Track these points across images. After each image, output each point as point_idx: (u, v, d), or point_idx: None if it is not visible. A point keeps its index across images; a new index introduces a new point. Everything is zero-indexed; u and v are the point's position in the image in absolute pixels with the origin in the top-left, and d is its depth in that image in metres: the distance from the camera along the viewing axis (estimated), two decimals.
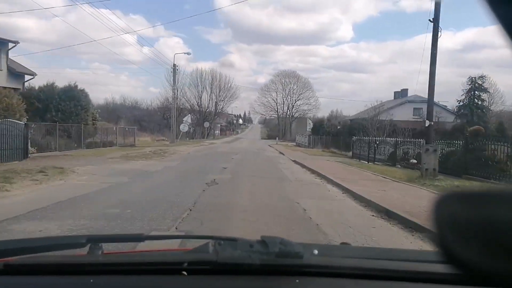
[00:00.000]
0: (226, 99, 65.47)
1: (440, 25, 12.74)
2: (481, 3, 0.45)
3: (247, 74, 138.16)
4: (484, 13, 0.45)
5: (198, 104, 61.24)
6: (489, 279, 0.46)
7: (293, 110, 79.07)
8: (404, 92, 44.29)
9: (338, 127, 36.98)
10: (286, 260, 1.03)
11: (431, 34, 12.83)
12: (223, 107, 66.40)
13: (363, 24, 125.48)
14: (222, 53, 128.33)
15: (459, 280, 0.78)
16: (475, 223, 0.46)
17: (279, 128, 77.48)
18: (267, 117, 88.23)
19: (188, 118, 37.30)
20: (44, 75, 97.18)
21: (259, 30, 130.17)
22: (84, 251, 1.18)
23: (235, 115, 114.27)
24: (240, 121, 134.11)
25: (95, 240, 1.23)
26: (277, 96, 78.98)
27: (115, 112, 58.89)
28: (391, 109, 37.56)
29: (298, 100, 78.05)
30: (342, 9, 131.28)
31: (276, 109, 79.97)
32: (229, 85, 65.18)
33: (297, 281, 1.03)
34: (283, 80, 77.97)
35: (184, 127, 36.52)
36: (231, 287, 1.04)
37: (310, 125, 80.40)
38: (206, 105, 62.54)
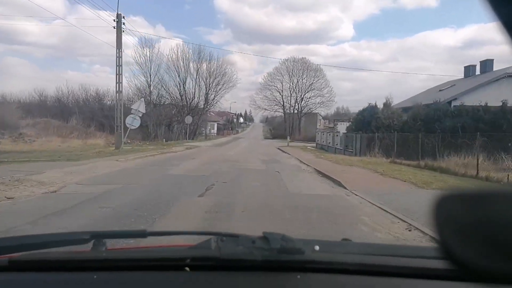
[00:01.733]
0: (219, 87, 49.26)
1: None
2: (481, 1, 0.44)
3: (248, 74, 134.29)
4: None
5: (180, 93, 45.22)
6: (488, 276, 0.48)
7: (302, 103, 63.61)
8: (487, 64, 28.38)
9: (404, 117, 21.18)
10: (287, 256, 1.02)
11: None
12: (215, 97, 49.89)
13: (363, 22, 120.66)
14: (223, 53, 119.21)
15: (458, 277, 0.79)
16: (474, 222, 0.48)
17: (285, 126, 61.85)
18: (271, 113, 72.77)
19: (139, 106, 21.11)
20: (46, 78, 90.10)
21: (260, 30, 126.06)
22: (87, 247, 1.17)
23: (235, 113, 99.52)
24: (241, 119, 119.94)
25: (98, 236, 1.21)
26: (282, 87, 63.51)
27: (68, 107, 43.68)
28: (472, 91, 22.55)
29: (308, 91, 62.56)
30: (342, 7, 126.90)
31: (282, 103, 64.44)
32: (223, 69, 49.20)
33: (298, 277, 1.01)
34: (290, 69, 62.45)
35: (133, 121, 20.59)
36: (234, 283, 1.03)
37: (321, 122, 65.98)
38: (192, 95, 46.60)
